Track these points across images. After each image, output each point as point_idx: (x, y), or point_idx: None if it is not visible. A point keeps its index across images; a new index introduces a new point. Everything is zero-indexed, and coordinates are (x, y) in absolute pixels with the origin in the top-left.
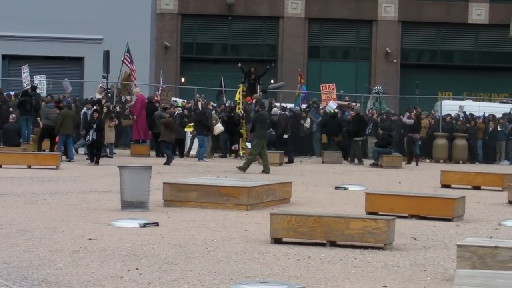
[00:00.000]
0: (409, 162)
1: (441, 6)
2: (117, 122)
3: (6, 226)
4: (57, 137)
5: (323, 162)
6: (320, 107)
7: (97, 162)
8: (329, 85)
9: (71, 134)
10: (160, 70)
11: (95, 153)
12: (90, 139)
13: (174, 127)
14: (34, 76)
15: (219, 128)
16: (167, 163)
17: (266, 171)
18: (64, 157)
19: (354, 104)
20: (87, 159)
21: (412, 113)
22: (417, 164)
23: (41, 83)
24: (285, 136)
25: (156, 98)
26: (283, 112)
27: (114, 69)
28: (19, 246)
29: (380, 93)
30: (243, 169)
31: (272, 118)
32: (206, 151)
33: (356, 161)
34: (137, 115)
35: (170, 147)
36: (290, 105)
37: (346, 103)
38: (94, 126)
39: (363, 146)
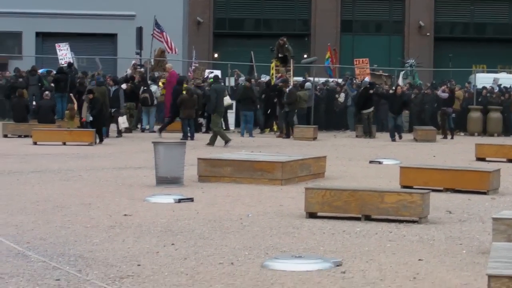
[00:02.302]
0: (444, 137)
1: None
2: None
3: (42, 203)
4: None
5: (357, 136)
6: (354, 81)
7: (100, 142)
8: (362, 60)
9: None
10: (192, 46)
11: (97, 132)
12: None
13: (190, 104)
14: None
15: (226, 100)
16: (183, 138)
17: (210, 143)
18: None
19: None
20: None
21: (447, 87)
22: (452, 138)
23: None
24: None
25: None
26: (293, 87)
27: (147, 45)
28: (55, 222)
29: (414, 66)
30: (210, 143)
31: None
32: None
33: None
34: (169, 92)
35: (186, 122)
36: (322, 80)
37: (378, 73)
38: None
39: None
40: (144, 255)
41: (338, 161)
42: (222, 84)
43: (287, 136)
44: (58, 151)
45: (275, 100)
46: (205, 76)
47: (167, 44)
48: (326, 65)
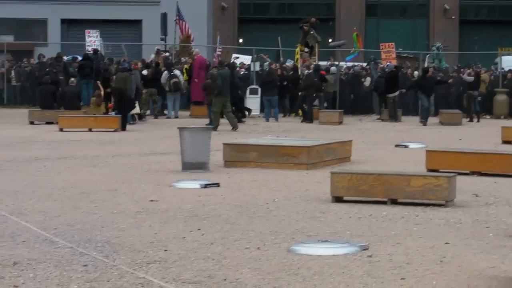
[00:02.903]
0: (470, 120)
1: None
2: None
3: (69, 189)
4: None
5: (382, 120)
6: (380, 65)
7: (123, 129)
8: (388, 44)
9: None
10: (217, 32)
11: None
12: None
13: (214, 89)
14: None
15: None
16: (209, 124)
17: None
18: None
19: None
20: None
21: (472, 70)
22: (478, 121)
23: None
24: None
25: (215, 60)
26: (310, 72)
27: (172, 31)
28: (82, 208)
29: (440, 49)
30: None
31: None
32: None
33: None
34: (195, 77)
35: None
36: (349, 64)
37: (404, 55)
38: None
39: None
40: (170, 241)
41: (364, 145)
42: (227, 69)
43: (309, 120)
44: (84, 138)
45: (289, 85)
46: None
47: (182, 32)
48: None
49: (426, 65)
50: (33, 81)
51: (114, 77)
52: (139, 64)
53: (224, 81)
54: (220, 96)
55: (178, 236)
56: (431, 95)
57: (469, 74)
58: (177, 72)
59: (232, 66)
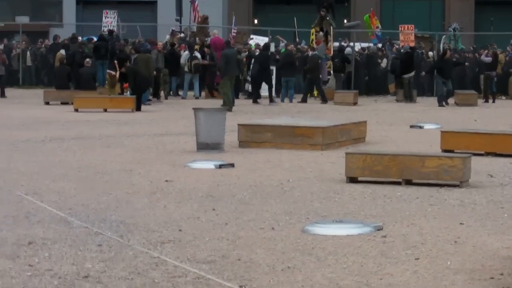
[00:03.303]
0: (486, 100)
1: None
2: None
3: (84, 169)
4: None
5: (397, 101)
6: (396, 46)
7: (138, 109)
8: (408, 26)
9: (150, 78)
10: (232, 12)
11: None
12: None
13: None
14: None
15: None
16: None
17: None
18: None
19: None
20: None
21: (489, 51)
22: (493, 101)
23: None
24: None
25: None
26: (314, 53)
27: (187, 12)
28: (97, 188)
29: (457, 30)
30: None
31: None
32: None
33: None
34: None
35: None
36: (364, 45)
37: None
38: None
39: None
40: (185, 221)
41: (379, 126)
42: (234, 49)
43: (324, 101)
44: (99, 118)
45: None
46: (247, 42)
47: (195, 13)
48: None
49: (441, 46)
50: (47, 62)
51: (135, 57)
52: (160, 44)
53: (229, 60)
54: (226, 76)
55: (193, 216)
56: (449, 78)
57: (486, 55)
58: (197, 54)
59: (266, 47)
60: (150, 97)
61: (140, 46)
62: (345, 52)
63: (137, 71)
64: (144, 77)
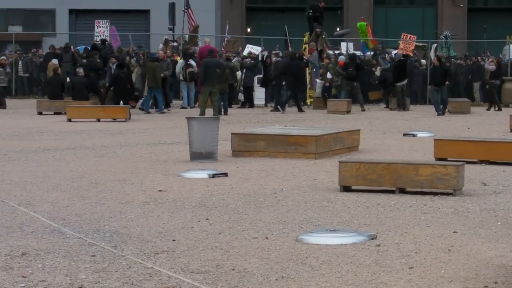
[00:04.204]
0: (498, 109)
1: None
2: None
3: (77, 179)
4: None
5: (390, 109)
6: (388, 54)
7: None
8: (410, 36)
9: (157, 87)
10: (226, 21)
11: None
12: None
13: (222, 78)
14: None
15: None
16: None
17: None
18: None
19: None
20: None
21: (494, 59)
22: (500, 109)
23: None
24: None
25: (223, 50)
26: (278, 59)
27: (180, 21)
28: (90, 198)
29: (449, 37)
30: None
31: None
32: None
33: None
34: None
35: (220, 97)
36: (357, 52)
37: (420, 45)
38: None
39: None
40: (178, 231)
41: (372, 134)
42: (214, 58)
43: (277, 109)
44: (92, 128)
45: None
46: (239, 50)
47: (190, 20)
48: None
49: (432, 53)
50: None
51: (144, 65)
52: (168, 53)
53: (207, 69)
54: (204, 85)
55: (186, 226)
56: (442, 85)
57: (490, 63)
58: (192, 62)
59: (299, 56)
60: (165, 110)
61: (150, 54)
62: (338, 59)
63: (120, 77)
64: (123, 88)
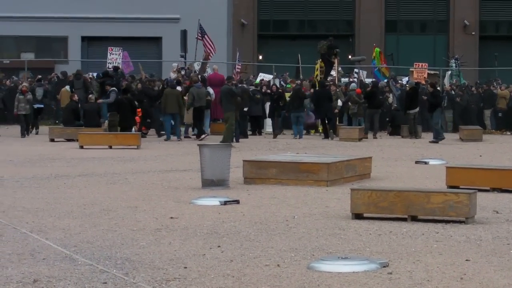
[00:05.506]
0: None
1: None
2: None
3: (89, 206)
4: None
5: (402, 136)
6: (400, 82)
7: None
8: (422, 64)
9: (176, 113)
10: (236, 48)
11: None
12: None
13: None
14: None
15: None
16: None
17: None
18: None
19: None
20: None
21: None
22: None
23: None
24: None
25: (234, 77)
26: (242, 85)
27: (192, 48)
28: (102, 225)
29: (459, 60)
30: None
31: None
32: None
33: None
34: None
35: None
36: (368, 80)
37: (432, 73)
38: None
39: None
40: (190, 258)
41: (384, 161)
42: (202, 88)
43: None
44: (104, 155)
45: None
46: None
47: (206, 48)
48: (373, 65)
49: (446, 80)
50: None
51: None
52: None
53: (195, 98)
54: (225, 113)
55: (198, 253)
56: (430, 111)
57: None
58: (210, 89)
59: (324, 85)
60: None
61: (169, 81)
62: (350, 87)
63: (177, 95)
64: (126, 113)
